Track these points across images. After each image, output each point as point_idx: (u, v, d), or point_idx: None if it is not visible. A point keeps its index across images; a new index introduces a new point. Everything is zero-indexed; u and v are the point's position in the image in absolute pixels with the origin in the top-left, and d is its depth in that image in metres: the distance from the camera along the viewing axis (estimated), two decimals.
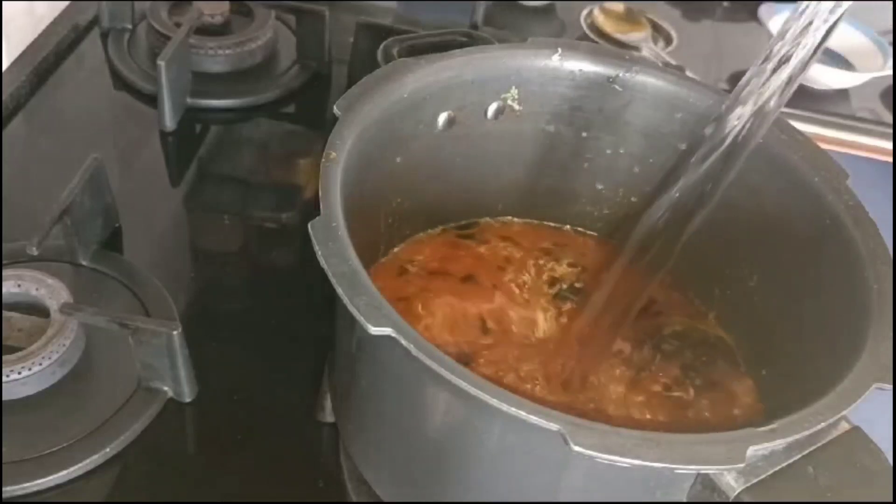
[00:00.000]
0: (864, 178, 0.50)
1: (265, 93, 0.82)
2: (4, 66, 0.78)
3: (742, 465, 0.34)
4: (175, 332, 0.53)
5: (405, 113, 0.49)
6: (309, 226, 0.39)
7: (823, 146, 0.50)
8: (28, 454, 0.51)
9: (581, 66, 0.54)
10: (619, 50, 0.55)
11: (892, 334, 0.40)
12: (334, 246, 0.39)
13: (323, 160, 0.42)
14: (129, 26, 0.86)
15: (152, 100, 0.76)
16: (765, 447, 0.35)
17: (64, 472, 0.51)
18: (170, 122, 0.76)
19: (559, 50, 0.53)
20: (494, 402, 0.34)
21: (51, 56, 0.82)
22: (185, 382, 0.55)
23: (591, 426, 0.34)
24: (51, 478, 0.50)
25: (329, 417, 0.56)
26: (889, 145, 0.85)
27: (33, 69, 0.79)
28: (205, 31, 0.84)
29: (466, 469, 0.42)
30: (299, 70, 0.84)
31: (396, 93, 0.47)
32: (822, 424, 0.36)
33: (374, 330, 0.36)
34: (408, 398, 0.42)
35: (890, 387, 0.38)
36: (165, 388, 0.55)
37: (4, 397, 0.52)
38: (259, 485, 0.53)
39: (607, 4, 0.99)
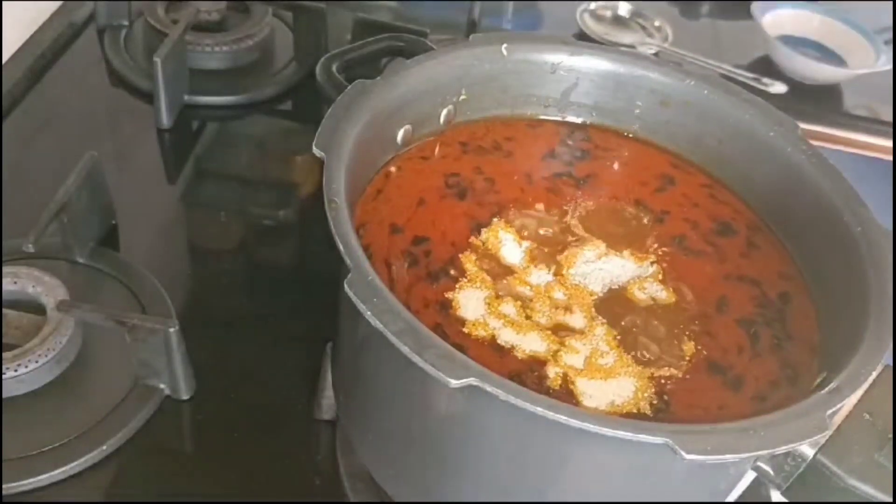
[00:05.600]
0: (861, 176, 0.50)
1: (262, 90, 0.82)
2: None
3: (830, 432, 0.36)
4: (172, 330, 0.53)
5: (376, 135, 0.49)
6: (345, 285, 0.37)
7: (818, 143, 0.51)
8: (25, 452, 0.51)
9: (527, 56, 0.54)
10: (561, 36, 0.56)
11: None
12: (380, 302, 0.37)
13: (328, 208, 0.41)
14: (126, 23, 0.86)
15: (149, 97, 0.76)
16: (837, 406, 0.36)
17: (61, 470, 0.51)
18: (166, 120, 0.76)
19: (504, 45, 0.53)
20: (601, 430, 0.34)
21: (47, 53, 0.82)
22: (181, 380, 0.55)
23: (694, 430, 0.35)
24: (48, 475, 0.50)
25: (326, 415, 0.56)
26: (888, 143, 0.85)
27: (29, 66, 0.79)
28: (202, 28, 0.84)
29: (480, 464, 0.42)
30: (296, 67, 0.84)
31: (364, 118, 0.47)
32: (875, 373, 0.38)
33: (456, 383, 0.34)
34: (417, 393, 0.42)
35: None
36: (162, 386, 0.55)
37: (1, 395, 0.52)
38: (256, 482, 0.53)
39: (599, 9, 0.99)
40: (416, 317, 0.37)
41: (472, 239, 0.49)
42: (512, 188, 0.52)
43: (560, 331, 0.45)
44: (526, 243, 0.49)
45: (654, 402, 0.42)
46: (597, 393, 0.42)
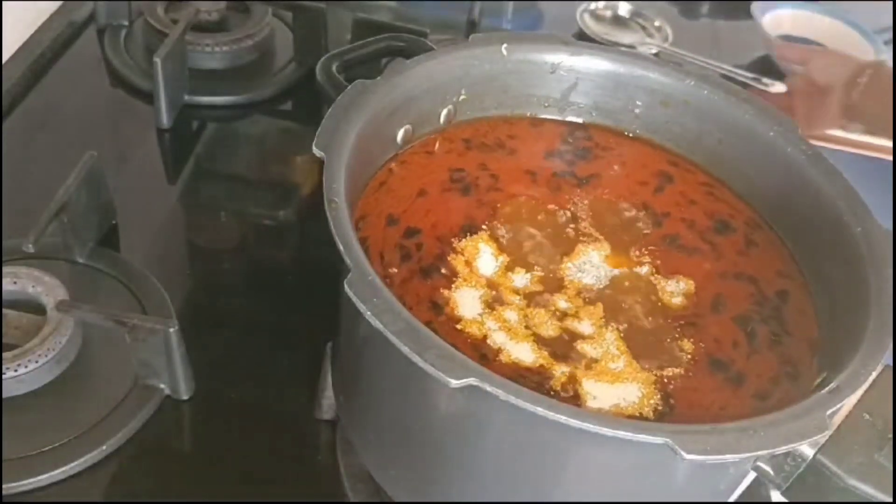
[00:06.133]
0: (861, 176, 0.50)
1: (262, 90, 0.82)
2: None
3: (830, 432, 0.36)
4: (172, 330, 0.53)
5: (376, 134, 0.49)
6: (345, 285, 0.37)
7: (818, 143, 0.51)
8: (25, 452, 0.51)
9: (527, 56, 0.54)
10: (561, 36, 0.56)
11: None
12: (380, 302, 0.37)
13: (328, 208, 0.41)
14: (126, 23, 0.86)
15: (149, 97, 0.76)
16: (837, 406, 0.37)
17: (61, 470, 0.51)
18: (166, 120, 0.76)
19: (504, 45, 0.53)
20: (601, 430, 0.34)
21: (47, 53, 0.82)
22: (181, 380, 0.55)
23: (694, 430, 0.35)
24: (47, 475, 0.50)
25: (326, 415, 0.56)
26: (888, 143, 0.85)
27: (29, 66, 0.79)
28: (201, 27, 0.84)
29: (480, 464, 0.42)
30: (296, 67, 0.84)
31: (364, 118, 0.47)
32: (875, 373, 0.38)
33: (456, 383, 0.34)
34: (417, 393, 0.42)
35: None
36: (162, 386, 0.55)
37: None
38: (256, 482, 0.53)
39: (599, 9, 0.99)
40: (411, 313, 0.37)
41: (454, 242, 0.48)
42: (513, 188, 0.52)
43: (567, 336, 0.45)
44: (502, 257, 0.48)
45: (659, 407, 0.42)
46: (602, 395, 0.42)
